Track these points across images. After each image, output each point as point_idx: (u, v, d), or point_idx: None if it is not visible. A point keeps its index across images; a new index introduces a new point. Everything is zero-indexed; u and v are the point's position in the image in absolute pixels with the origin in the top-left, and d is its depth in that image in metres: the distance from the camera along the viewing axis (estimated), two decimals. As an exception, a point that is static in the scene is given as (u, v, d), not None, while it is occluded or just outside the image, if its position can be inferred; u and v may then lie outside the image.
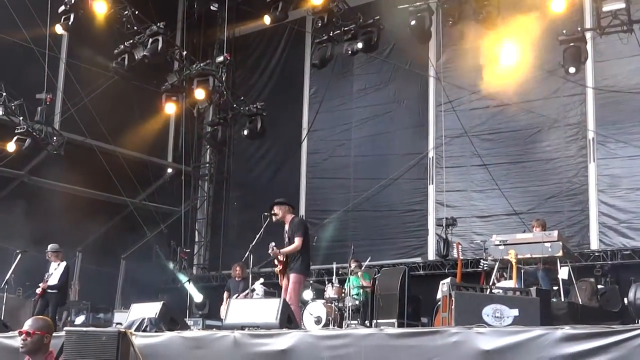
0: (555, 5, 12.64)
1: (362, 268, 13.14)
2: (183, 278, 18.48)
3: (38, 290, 12.95)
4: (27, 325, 5.63)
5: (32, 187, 17.32)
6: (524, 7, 13.30)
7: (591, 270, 13.84)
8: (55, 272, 13.03)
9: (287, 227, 10.38)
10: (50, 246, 13.33)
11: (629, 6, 12.88)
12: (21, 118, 15.66)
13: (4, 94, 15.56)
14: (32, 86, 15.93)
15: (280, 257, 10.12)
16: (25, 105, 15.74)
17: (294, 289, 10.01)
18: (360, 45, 14.48)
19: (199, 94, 16.22)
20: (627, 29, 13.15)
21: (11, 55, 16.14)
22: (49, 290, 12.88)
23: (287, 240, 10.25)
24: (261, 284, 12.82)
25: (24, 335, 5.58)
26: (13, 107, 15.66)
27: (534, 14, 12.97)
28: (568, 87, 15.44)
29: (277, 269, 10.29)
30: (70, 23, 14.49)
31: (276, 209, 10.43)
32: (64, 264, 13.20)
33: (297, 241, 10.08)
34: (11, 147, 15.78)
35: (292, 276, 10.06)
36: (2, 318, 11.95)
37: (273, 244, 10.06)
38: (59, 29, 14.77)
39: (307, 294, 12.34)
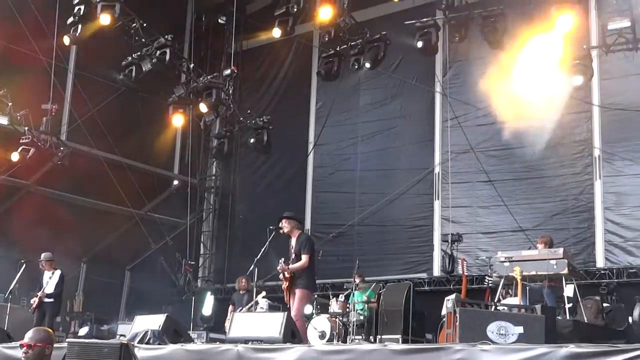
0: (561, 25, 12.64)
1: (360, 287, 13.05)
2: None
3: (33, 300, 12.92)
4: (28, 337, 5.63)
5: (38, 197, 17.32)
6: (530, 25, 13.29)
7: (597, 288, 13.78)
8: (50, 280, 12.99)
9: (293, 242, 10.50)
10: (43, 255, 13.26)
11: (634, 25, 12.91)
12: (26, 128, 15.69)
13: (10, 103, 15.58)
14: (39, 97, 15.95)
15: (287, 274, 10.16)
16: (31, 115, 15.78)
17: (300, 305, 10.07)
18: (367, 60, 14.52)
19: (206, 106, 16.21)
20: (632, 47, 13.19)
21: (19, 65, 16.16)
22: (45, 300, 12.85)
23: (293, 256, 10.36)
24: (263, 297, 12.80)
25: (25, 347, 5.58)
26: (18, 116, 15.69)
27: (540, 32, 12.96)
28: (574, 105, 15.36)
29: (284, 286, 10.33)
30: (77, 34, 14.54)
31: (284, 223, 10.53)
32: (58, 272, 13.14)
33: (305, 258, 10.21)
34: (15, 156, 15.77)
35: (297, 292, 10.14)
36: (5, 328, 11.92)
37: (282, 259, 10.20)
38: (66, 40, 14.84)
39: (308, 309, 12.27)
